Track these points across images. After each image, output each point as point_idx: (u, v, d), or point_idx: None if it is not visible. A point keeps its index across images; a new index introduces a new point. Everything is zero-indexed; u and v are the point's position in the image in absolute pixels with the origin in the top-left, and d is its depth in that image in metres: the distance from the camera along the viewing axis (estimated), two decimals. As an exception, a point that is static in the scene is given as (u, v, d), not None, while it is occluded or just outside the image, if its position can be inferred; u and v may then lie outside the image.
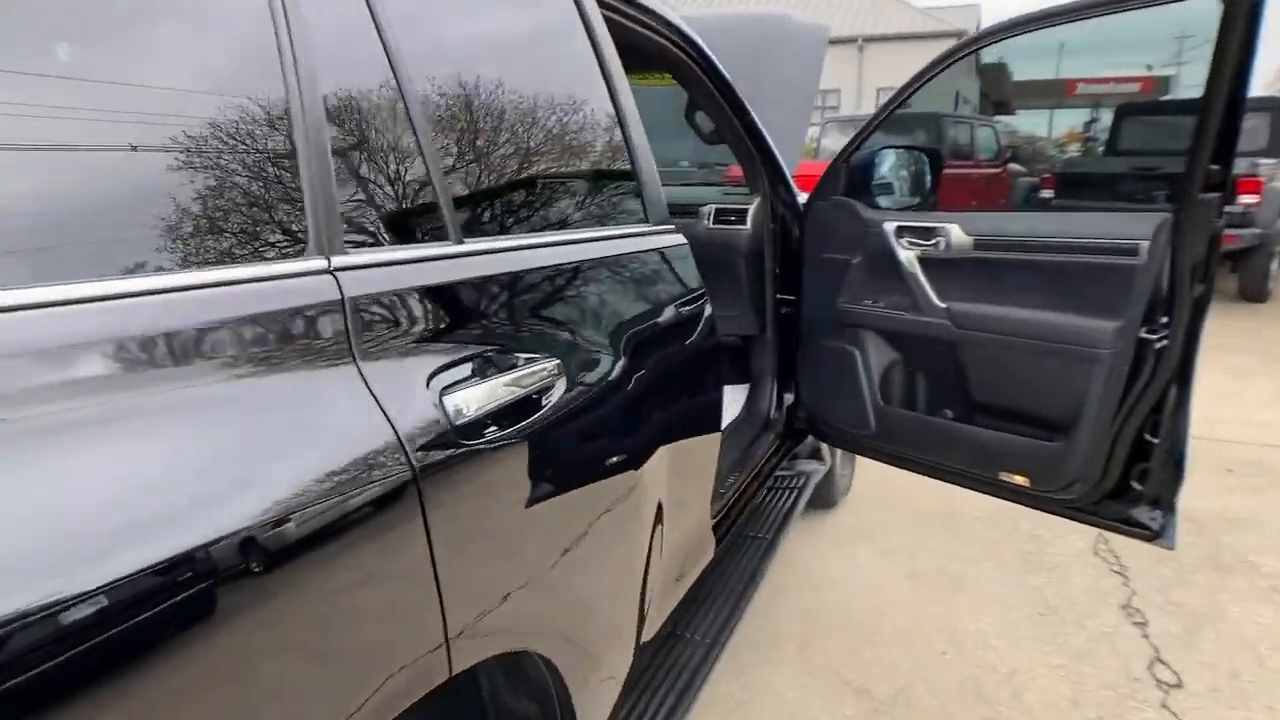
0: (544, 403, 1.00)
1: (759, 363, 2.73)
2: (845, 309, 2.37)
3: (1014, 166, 9.67)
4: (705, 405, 1.67)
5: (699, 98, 2.24)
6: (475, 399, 0.87)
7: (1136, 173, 7.24)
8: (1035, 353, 1.99)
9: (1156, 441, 1.89)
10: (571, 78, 1.40)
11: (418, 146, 0.95)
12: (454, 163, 1.03)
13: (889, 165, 2.44)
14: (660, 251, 1.56)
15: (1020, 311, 2.00)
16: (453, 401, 0.84)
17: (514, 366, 0.97)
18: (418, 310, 0.88)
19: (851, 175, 2.38)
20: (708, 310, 1.65)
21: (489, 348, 0.95)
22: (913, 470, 2.38)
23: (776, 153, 2.49)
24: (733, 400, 2.76)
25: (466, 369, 0.89)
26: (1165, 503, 1.93)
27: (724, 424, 2.67)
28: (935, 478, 2.34)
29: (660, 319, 1.47)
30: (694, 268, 1.64)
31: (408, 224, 0.93)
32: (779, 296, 2.63)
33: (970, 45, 2.04)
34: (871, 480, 3.49)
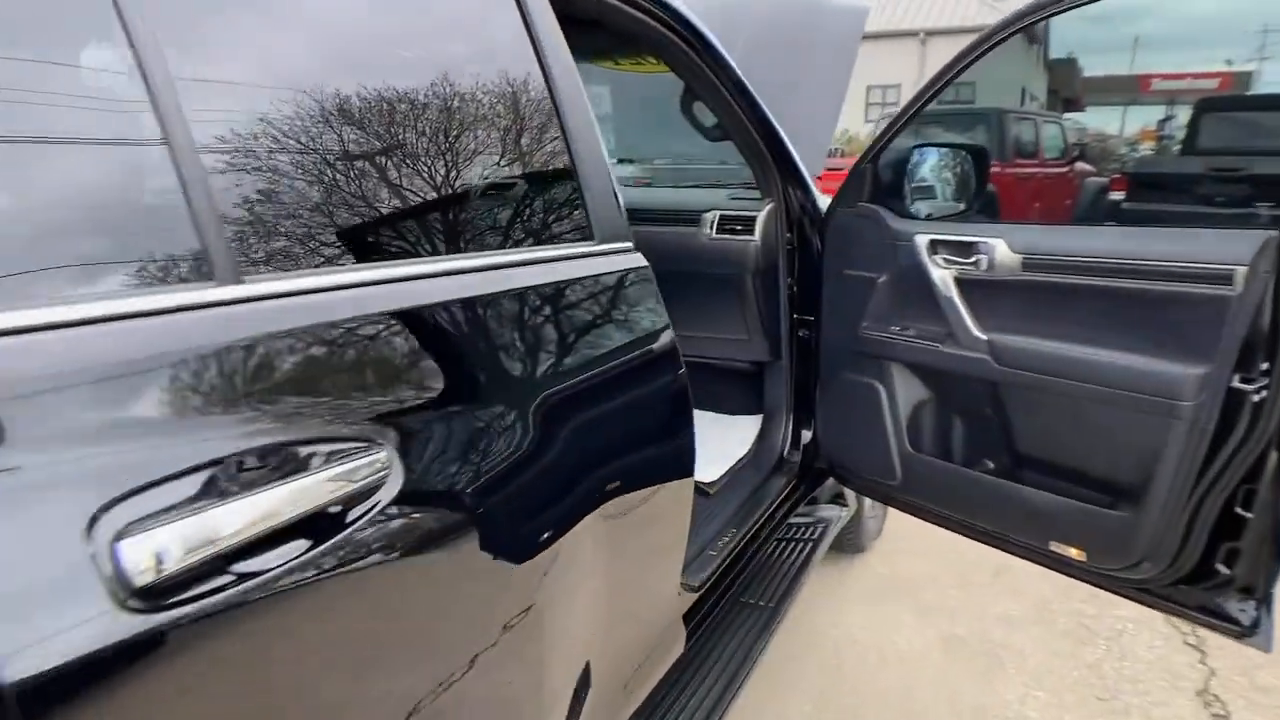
0: (349, 520, 0.69)
1: (773, 393, 2.39)
2: (868, 336, 2.01)
3: (1082, 166, 9.05)
4: (668, 465, 1.34)
5: (694, 86, 1.91)
6: (194, 537, 0.57)
7: (1216, 173, 6.63)
8: (1096, 401, 1.61)
9: (1250, 517, 1.50)
10: (473, 43, 1.09)
11: (160, 129, 0.65)
12: (237, 158, 0.72)
13: (924, 167, 2.07)
14: (609, 277, 1.24)
15: (1078, 349, 1.62)
16: (143, 547, 0.54)
17: (297, 469, 0.66)
18: (110, 399, 0.57)
19: (879, 178, 2.02)
20: (671, 347, 1.32)
21: (257, 442, 0.65)
22: (947, 528, 2.02)
23: (793, 151, 2.15)
24: (742, 435, 2.43)
25: (190, 486, 0.58)
26: (1260, 592, 1.54)
27: (732, 462, 2.36)
28: (974, 539, 1.97)
29: (600, 366, 1.15)
30: (655, 294, 1.32)
31: (129, 260, 0.63)
32: (797, 317, 2.29)
33: (1010, 26, 1.66)
34: (907, 522, 3.10)
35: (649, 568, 1.36)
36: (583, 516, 1.06)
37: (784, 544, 2.26)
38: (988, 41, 1.70)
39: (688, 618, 1.67)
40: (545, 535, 0.99)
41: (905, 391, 1.98)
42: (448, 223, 1.00)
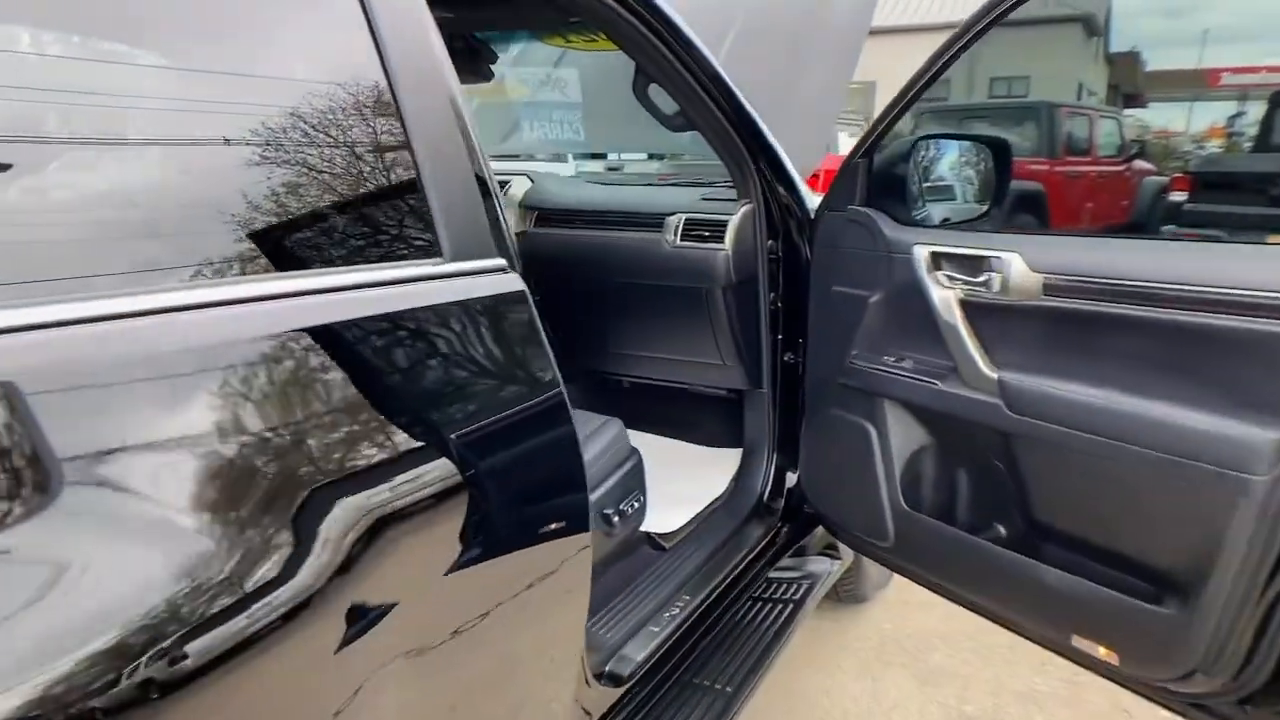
0: None
1: (753, 427, 2.05)
2: (857, 367, 1.67)
3: (1140, 164, 8.47)
4: (538, 549, 1.02)
5: (647, 66, 1.59)
6: None
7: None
8: (1137, 466, 1.25)
9: (1343, 626, 1.13)
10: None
11: None
12: None
13: (932, 162, 1.73)
14: (461, 306, 0.92)
15: (1115, 399, 1.26)
16: None
17: None
18: None
19: (874, 176, 1.67)
20: (555, 396, 1.00)
21: None
22: (953, 601, 1.67)
23: (776, 144, 1.81)
24: (718, 472, 2.10)
25: None
26: (1354, 724, 1.17)
27: (702, 506, 2.04)
28: (984, 618, 1.62)
29: (428, 436, 0.84)
30: (533, 326, 1.00)
31: None
32: (782, 339, 1.95)
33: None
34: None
35: (512, 679, 1.05)
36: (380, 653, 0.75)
37: (758, 605, 1.92)
38: (994, 10, 1.36)
39: (608, 718, 1.36)
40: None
41: (900, 436, 1.63)
42: (151, 234, 0.70)
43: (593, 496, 1.51)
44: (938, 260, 1.50)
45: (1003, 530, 1.52)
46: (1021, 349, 1.40)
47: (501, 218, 1.03)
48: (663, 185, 2.39)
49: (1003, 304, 1.40)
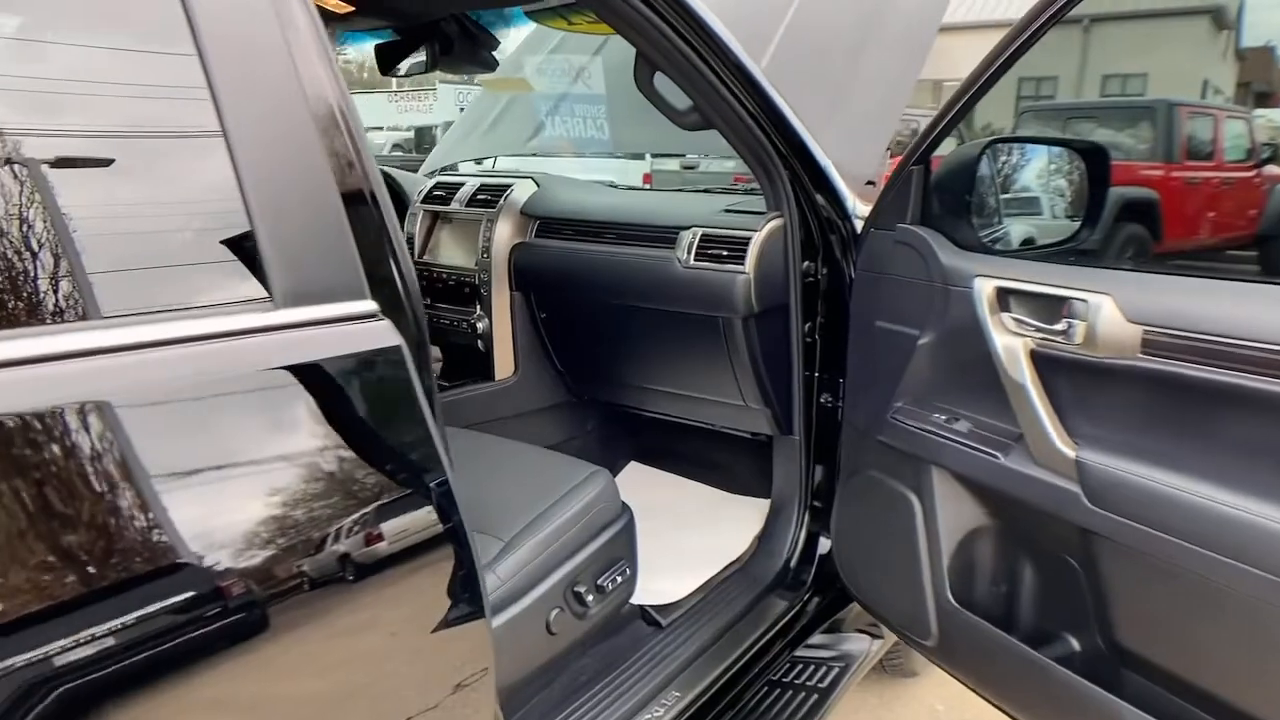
0: None
1: (783, 480, 1.76)
2: (901, 424, 1.35)
3: (1272, 169, 7.62)
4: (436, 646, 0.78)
5: (648, 51, 1.31)
6: None
7: None
8: (1267, 596, 0.91)
9: None
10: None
11: None
12: None
13: (1006, 172, 1.40)
14: (299, 372, 0.68)
15: (1239, 503, 0.92)
16: None
17: None
18: None
19: (931, 188, 1.36)
20: (441, 487, 0.75)
21: None
22: (1003, 713, 1.35)
23: (815, 148, 1.51)
24: (741, 526, 1.81)
25: None
26: None
27: (717, 569, 1.75)
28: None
29: (238, 541, 0.61)
30: (406, 391, 0.74)
31: None
32: (820, 376, 1.65)
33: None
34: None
35: None
36: None
37: (776, 692, 1.62)
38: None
39: None
40: None
41: (950, 514, 1.31)
42: None
43: (563, 570, 1.27)
44: (1004, 298, 1.18)
45: (1075, 647, 1.19)
46: (1110, 422, 1.07)
47: (392, 244, 0.78)
48: (693, 192, 2.11)
49: (1087, 361, 1.07)
